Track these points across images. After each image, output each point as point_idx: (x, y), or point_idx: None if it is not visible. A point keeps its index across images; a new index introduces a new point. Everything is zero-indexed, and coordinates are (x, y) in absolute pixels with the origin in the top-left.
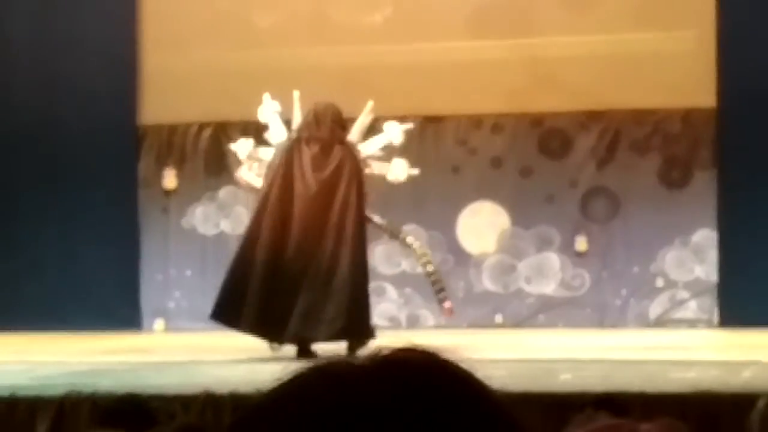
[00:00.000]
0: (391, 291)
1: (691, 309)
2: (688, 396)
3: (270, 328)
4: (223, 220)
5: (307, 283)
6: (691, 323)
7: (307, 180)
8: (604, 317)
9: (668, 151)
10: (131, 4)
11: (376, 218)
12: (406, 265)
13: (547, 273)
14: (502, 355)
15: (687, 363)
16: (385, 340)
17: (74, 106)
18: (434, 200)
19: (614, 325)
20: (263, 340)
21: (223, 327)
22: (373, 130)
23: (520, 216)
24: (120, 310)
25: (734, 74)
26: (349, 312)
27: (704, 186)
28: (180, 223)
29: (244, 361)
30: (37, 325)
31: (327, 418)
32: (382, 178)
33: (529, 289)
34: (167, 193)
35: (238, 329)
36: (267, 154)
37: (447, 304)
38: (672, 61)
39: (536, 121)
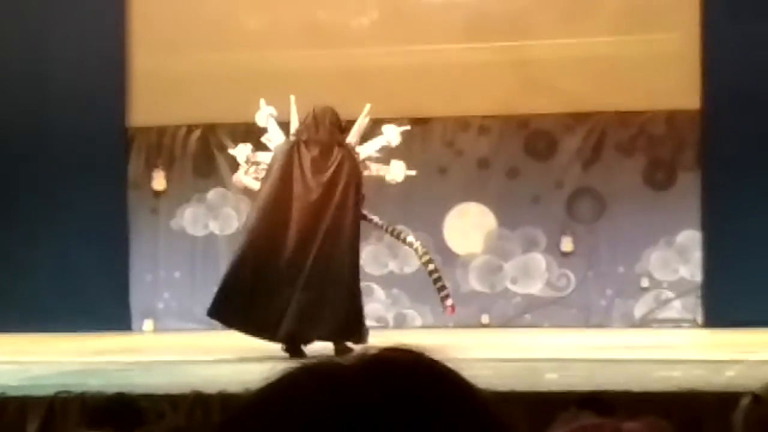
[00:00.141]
0: (379, 291)
1: (675, 309)
2: (673, 395)
3: (265, 327)
4: (211, 221)
5: (304, 283)
6: (676, 323)
7: (307, 182)
8: (589, 317)
9: (653, 152)
10: (120, 6)
11: (375, 218)
12: (393, 265)
13: (533, 273)
14: (488, 354)
15: (671, 362)
16: (373, 340)
17: (64, 108)
18: (421, 201)
19: (599, 325)
20: (258, 339)
21: (217, 325)
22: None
23: (507, 217)
24: (109, 311)
25: (718, 77)
26: (346, 313)
27: (688, 187)
28: (169, 225)
29: (233, 361)
30: (27, 325)
31: (315, 418)
32: (379, 180)
33: (515, 289)
34: (156, 194)
35: (234, 327)
36: (265, 157)
37: (449, 302)
38: (656, 63)
39: (522, 122)
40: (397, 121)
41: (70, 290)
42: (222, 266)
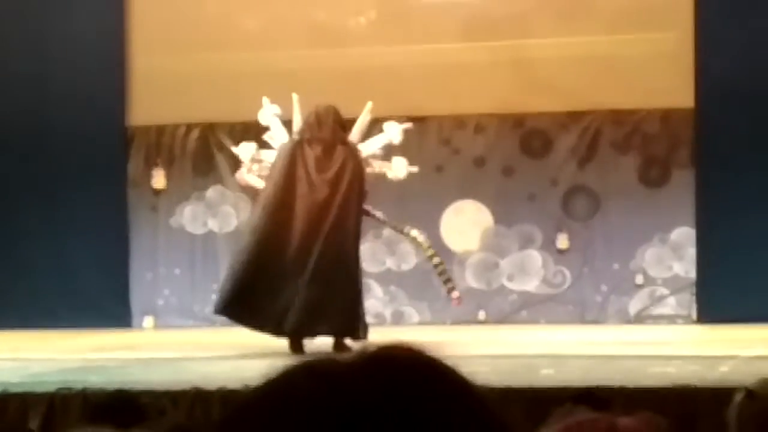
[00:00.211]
0: (377, 288)
1: (670, 305)
2: (667, 390)
3: (272, 323)
4: (210, 219)
5: (309, 278)
6: (670, 319)
7: (312, 180)
8: (584, 313)
9: (647, 150)
10: (120, 6)
11: (378, 214)
12: (390, 262)
13: (529, 270)
14: (485, 350)
15: (666, 358)
16: (371, 336)
17: (64, 107)
18: (418, 199)
19: (595, 321)
20: (265, 334)
21: (216, 322)
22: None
23: (503, 214)
24: (110, 308)
25: (711, 75)
26: (350, 309)
27: (682, 185)
28: (169, 222)
29: (232, 358)
30: (29, 322)
31: (314, 415)
32: (381, 177)
33: (511, 286)
34: (156, 192)
35: (242, 323)
36: (269, 155)
37: (455, 294)
38: (651, 62)
39: (518, 121)
40: (394, 119)
41: (71, 288)
42: (221, 263)
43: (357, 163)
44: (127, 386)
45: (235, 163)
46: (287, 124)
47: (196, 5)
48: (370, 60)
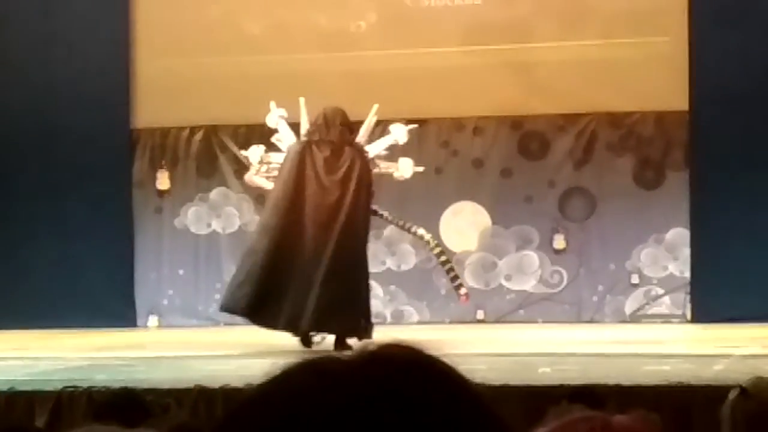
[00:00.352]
0: (377, 288)
1: (665, 304)
2: (662, 388)
3: (287, 322)
4: (214, 220)
5: (323, 278)
6: (665, 318)
7: (321, 182)
8: (581, 313)
9: (642, 152)
10: (125, 10)
11: (385, 213)
12: (390, 263)
13: (527, 270)
14: (483, 349)
15: (661, 357)
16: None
17: (71, 110)
18: (418, 200)
19: (591, 321)
20: (280, 332)
21: (219, 321)
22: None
23: (501, 215)
24: (115, 308)
25: (705, 79)
26: (360, 307)
27: (677, 186)
28: (173, 223)
29: (235, 357)
30: (36, 322)
31: (314, 413)
32: (387, 177)
33: (509, 285)
34: (160, 194)
35: (256, 322)
36: (277, 157)
37: (462, 291)
38: (646, 66)
39: (516, 123)
40: (395, 122)
41: (77, 288)
42: (224, 264)
43: (364, 164)
44: (132, 385)
45: (239, 165)
46: (293, 126)
47: (200, 9)
48: (372, 63)
